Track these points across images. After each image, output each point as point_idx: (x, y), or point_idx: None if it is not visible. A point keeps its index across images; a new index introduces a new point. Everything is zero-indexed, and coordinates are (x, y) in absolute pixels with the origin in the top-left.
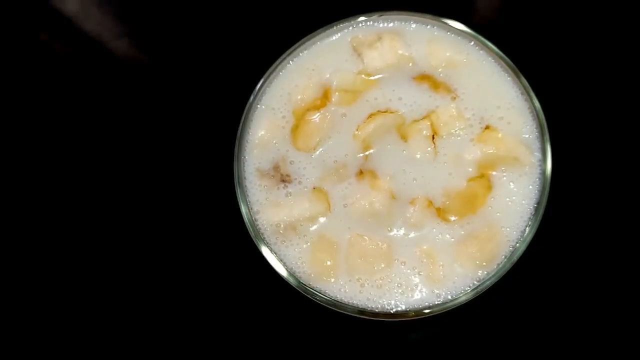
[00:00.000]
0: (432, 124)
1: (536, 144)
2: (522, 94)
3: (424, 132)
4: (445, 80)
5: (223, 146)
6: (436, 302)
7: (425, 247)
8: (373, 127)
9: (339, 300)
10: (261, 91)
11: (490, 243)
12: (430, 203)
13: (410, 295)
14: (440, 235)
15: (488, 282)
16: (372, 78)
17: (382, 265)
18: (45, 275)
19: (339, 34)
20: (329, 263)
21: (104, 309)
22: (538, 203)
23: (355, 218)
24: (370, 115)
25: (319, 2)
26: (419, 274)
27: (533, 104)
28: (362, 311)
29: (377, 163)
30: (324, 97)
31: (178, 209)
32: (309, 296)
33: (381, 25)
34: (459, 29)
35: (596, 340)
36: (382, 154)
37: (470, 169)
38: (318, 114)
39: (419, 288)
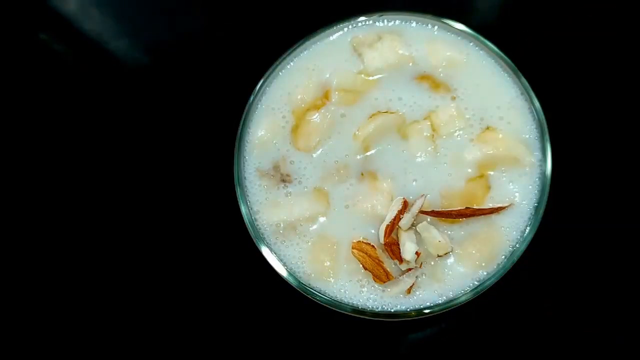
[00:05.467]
0: (432, 124)
1: (536, 144)
2: (522, 94)
3: (424, 132)
4: (445, 80)
5: (223, 146)
6: (436, 302)
7: (425, 247)
8: (373, 127)
9: (339, 300)
10: (261, 91)
11: (490, 243)
12: (430, 205)
13: (410, 295)
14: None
15: (488, 282)
16: (372, 78)
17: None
18: (45, 275)
19: (339, 34)
20: (328, 263)
21: (104, 309)
22: (538, 203)
23: (355, 218)
24: (371, 116)
25: (319, 2)
26: (420, 274)
27: (533, 104)
28: (362, 311)
29: (378, 163)
30: (324, 97)
31: (178, 209)
32: (309, 296)
33: (381, 25)
34: (459, 29)
35: (596, 340)
36: (382, 155)
37: (470, 170)
38: (318, 114)
39: (419, 288)
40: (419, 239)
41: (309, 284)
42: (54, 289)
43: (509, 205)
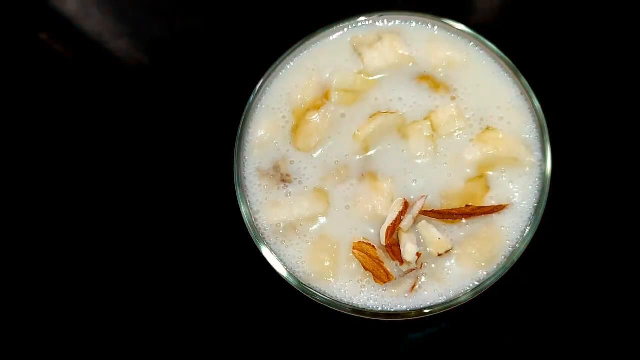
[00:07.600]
0: (432, 124)
1: (536, 144)
2: (522, 94)
3: (424, 132)
4: (445, 80)
5: (223, 146)
6: (436, 302)
7: (425, 248)
8: (373, 127)
9: (339, 300)
10: (261, 91)
11: (490, 243)
12: (429, 205)
13: (410, 295)
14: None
15: (488, 282)
16: (372, 78)
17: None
18: (45, 276)
19: (339, 34)
20: (328, 263)
21: (104, 309)
22: (538, 203)
23: (355, 218)
24: (371, 116)
25: (319, 2)
26: (420, 274)
27: (533, 104)
28: (362, 311)
29: (378, 164)
30: (324, 97)
31: (178, 209)
32: (308, 296)
33: (381, 25)
34: (459, 29)
35: (596, 340)
36: (382, 155)
37: (469, 170)
38: (318, 114)
39: (419, 288)
40: (419, 239)
41: (309, 284)
42: (54, 290)
43: (509, 204)
